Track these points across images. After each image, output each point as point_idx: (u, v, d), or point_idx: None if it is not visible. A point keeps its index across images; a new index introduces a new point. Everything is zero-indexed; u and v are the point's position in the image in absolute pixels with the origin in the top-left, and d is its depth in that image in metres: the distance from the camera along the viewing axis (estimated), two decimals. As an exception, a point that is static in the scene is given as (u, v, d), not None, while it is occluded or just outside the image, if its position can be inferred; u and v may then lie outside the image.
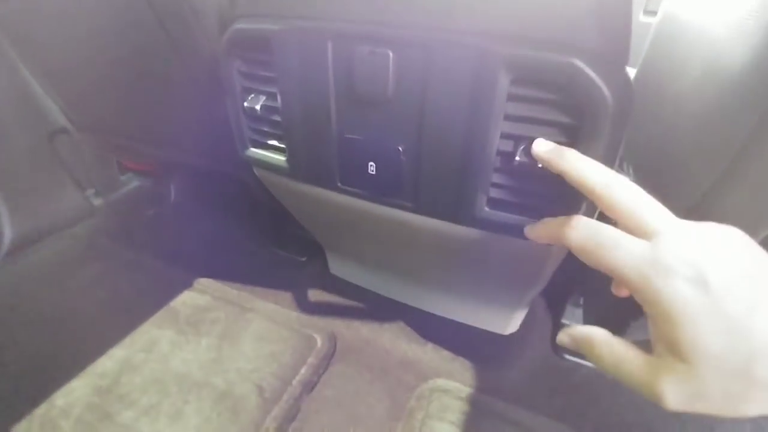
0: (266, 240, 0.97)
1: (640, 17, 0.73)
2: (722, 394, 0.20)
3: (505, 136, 0.33)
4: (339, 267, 0.83)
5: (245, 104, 0.44)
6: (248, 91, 0.45)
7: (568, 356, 0.66)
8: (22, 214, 0.89)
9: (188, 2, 0.49)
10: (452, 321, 0.73)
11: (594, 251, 0.23)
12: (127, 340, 0.70)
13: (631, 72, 0.43)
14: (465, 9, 0.29)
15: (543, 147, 0.29)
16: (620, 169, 0.56)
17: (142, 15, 0.52)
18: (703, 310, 0.20)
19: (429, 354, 0.69)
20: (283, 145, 0.46)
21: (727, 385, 0.20)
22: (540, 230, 0.30)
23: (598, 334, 0.25)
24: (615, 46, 0.27)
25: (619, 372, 0.23)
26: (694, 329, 0.20)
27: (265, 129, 0.46)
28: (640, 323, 0.45)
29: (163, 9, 0.51)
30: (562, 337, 0.28)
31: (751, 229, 0.34)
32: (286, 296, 0.82)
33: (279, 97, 0.41)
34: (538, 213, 0.36)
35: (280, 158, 0.47)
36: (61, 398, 0.61)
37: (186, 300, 0.79)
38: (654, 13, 0.57)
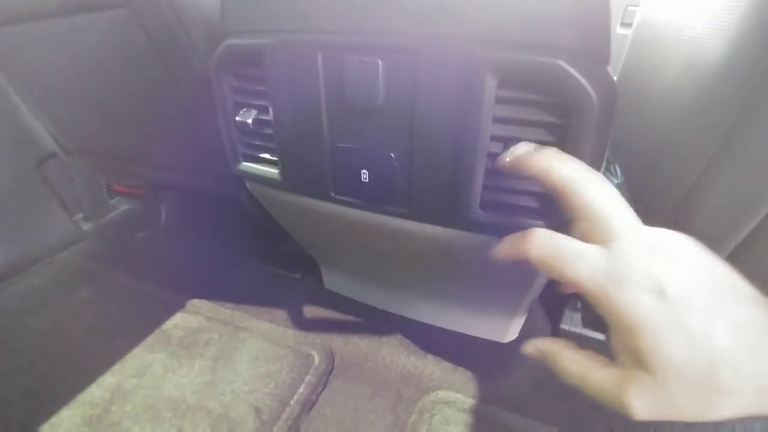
0: (258, 258, 0.96)
1: (617, 30, 0.76)
2: (689, 401, 0.20)
3: (494, 138, 0.33)
4: (334, 282, 0.82)
5: (237, 119, 0.45)
6: (240, 105, 0.45)
7: (568, 362, 0.66)
8: (10, 241, 0.88)
9: (181, 23, 0.50)
10: (451, 331, 0.72)
11: (553, 264, 0.23)
12: (118, 366, 0.67)
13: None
14: (450, 15, 0.30)
15: (506, 158, 0.29)
16: (608, 170, 0.57)
17: (134, 36, 0.53)
18: (663, 319, 0.20)
19: (429, 366, 0.68)
20: (275, 158, 0.46)
21: (693, 393, 0.20)
22: (502, 249, 0.28)
23: (562, 346, 0.25)
24: (595, 45, 0.28)
25: (585, 385, 0.23)
26: (655, 339, 0.20)
27: (257, 142, 0.47)
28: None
29: (155, 30, 0.51)
30: (529, 349, 0.28)
31: (736, 222, 0.34)
32: (281, 314, 0.80)
33: (271, 110, 0.42)
34: (531, 213, 0.36)
35: (272, 171, 0.47)
36: (48, 430, 0.58)
37: (178, 322, 0.77)
38: (630, 25, 0.59)
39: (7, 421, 0.60)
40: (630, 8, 0.72)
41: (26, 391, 0.65)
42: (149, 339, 0.73)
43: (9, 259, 0.88)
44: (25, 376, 0.67)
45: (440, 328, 0.73)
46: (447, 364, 0.68)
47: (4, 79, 0.77)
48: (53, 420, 0.59)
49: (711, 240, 0.34)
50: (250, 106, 0.44)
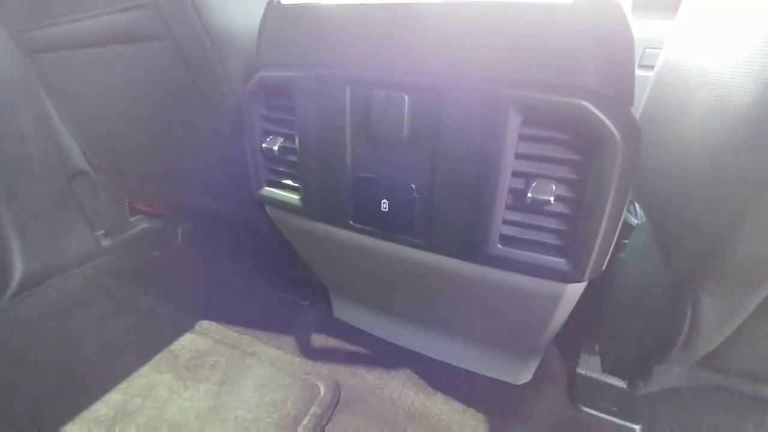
0: (269, 283, 0.96)
1: (635, 71, 0.77)
2: None
3: (516, 174, 0.34)
4: (344, 311, 0.81)
5: (264, 145, 0.46)
6: (267, 133, 0.47)
7: (585, 408, 0.63)
8: (33, 253, 0.90)
9: (218, 56, 0.53)
10: (462, 369, 0.70)
11: None
12: (125, 384, 0.67)
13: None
14: (476, 55, 0.32)
15: None
16: (627, 210, 0.56)
17: (174, 66, 0.56)
18: None
19: (438, 405, 0.66)
20: (297, 185, 0.47)
21: None
22: None
23: None
24: (619, 86, 0.28)
25: None
26: None
27: (281, 169, 0.48)
28: (664, 369, 0.43)
29: (194, 61, 0.54)
30: None
31: (764, 274, 0.33)
32: (289, 340, 0.79)
33: (297, 139, 0.43)
34: (550, 249, 0.36)
35: (293, 197, 0.48)
36: (50, 447, 0.57)
37: (186, 343, 0.77)
38: (648, 67, 0.60)
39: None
40: (648, 50, 0.73)
41: (35, 403, 0.64)
42: (157, 358, 0.72)
43: (31, 271, 0.90)
44: (34, 388, 0.67)
45: (451, 366, 0.71)
46: (457, 404, 0.66)
47: (47, 99, 0.82)
48: (57, 437, 0.59)
49: (736, 288, 0.33)
50: (277, 134, 0.46)
